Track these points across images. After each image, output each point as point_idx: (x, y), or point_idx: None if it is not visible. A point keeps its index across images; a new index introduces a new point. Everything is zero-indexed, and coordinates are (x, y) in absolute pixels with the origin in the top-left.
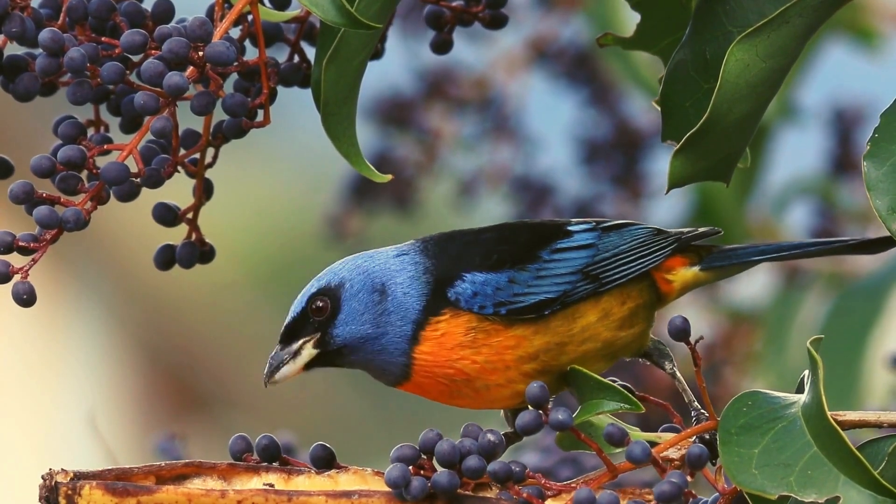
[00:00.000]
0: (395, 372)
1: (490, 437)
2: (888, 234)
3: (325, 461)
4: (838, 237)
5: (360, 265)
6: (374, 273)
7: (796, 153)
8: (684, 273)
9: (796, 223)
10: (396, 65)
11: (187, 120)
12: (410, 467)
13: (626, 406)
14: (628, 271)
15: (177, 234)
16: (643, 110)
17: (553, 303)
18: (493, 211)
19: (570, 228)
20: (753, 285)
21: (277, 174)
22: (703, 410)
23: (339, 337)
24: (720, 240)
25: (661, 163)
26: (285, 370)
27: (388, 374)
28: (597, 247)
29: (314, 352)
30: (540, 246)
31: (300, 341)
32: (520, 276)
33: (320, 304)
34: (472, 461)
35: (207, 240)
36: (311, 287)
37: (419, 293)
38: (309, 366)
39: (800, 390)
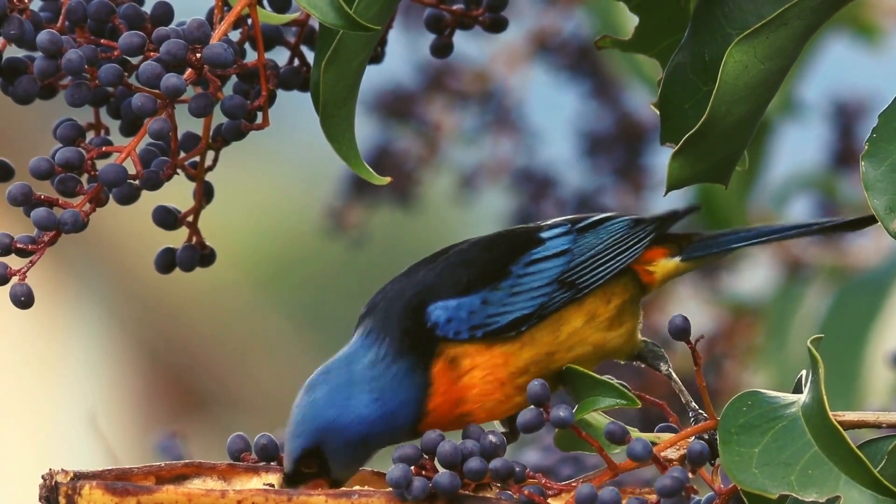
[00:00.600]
0: (409, 437)
1: (492, 438)
2: (868, 214)
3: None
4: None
5: (330, 420)
6: (347, 427)
7: (797, 147)
8: (665, 264)
9: (798, 217)
10: (397, 58)
11: (187, 123)
12: (412, 467)
13: (623, 402)
14: (606, 271)
15: (177, 236)
16: (645, 103)
17: (529, 318)
18: (494, 204)
19: (542, 235)
20: (755, 279)
21: (277, 174)
22: (701, 411)
23: (342, 479)
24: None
25: (663, 156)
26: None
27: (400, 437)
28: (572, 252)
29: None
30: (511, 260)
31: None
32: (493, 295)
33: (309, 466)
34: (473, 462)
35: (208, 243)
36: (293, 448)
37: (407, 397)
38: None
39: (797, 389)
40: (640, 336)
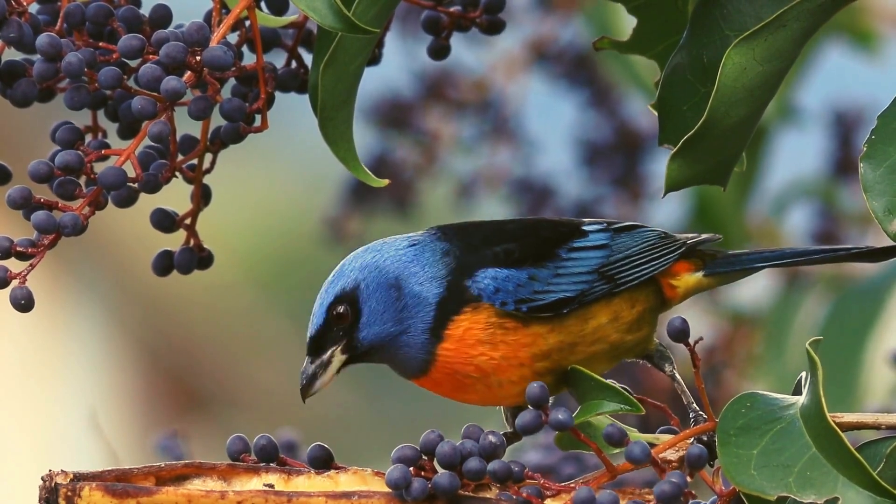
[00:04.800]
0: (415, 367)
1: (491, 438)
2: (891, 242)
3: (323, 461)
4: (840, 243)
5: (370, 262)
6: (386, 268)
7: (796, 155)
8: (688, 278)
9: (796, 225)
10: (395, 67)
11: (186, 125)
12: (411, 468)
13: (626, 407)
14: (641, 273)
15: (177, 238)
16: (643, 112)
17: (571, 301)
18: (492, 213)
19: (585, 228)
20: (753, 288)
21: (277, 174)
22: (701, 412)
23: (365, 340)
24: (721, 244)
25: (661, 164)
26: (320, 382)
27: (408, 369)
28: (611, 247)
29: (343, 357)
30: (558, 244)
31: (329, 351)
32: (540, 273)
33: (340, 310)
34: (473, 463)
35: (206, 246)
36: (327, 295)
37: (438, 285)
38: (339, 370)
39: (797, 392)
40: (655, 341)
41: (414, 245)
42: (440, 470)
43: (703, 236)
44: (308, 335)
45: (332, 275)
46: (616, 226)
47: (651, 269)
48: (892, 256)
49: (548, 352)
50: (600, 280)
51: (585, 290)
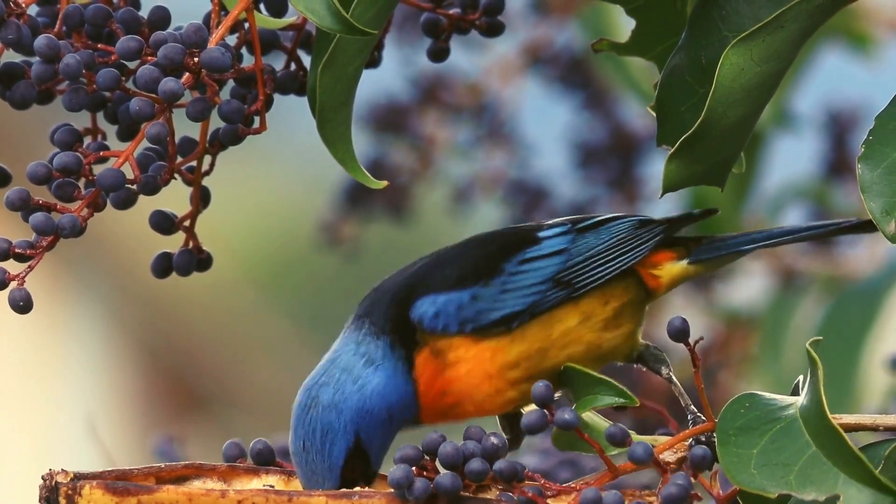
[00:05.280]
0: (411, 422)
1: (493, 439)
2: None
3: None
4: (836, 243)
5: (356, 405)
6: (373, 406)
7: (791, 157)
8: (671, 267)
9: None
10: (391, 71)
11: (185, 127)
12: (413, 468)
13: (622, 400)
14: (605, 272)
15: (176, 239)
16: (638, 114)
17: (520, 315)
18: (488, 217)
19: (539, 235)
20: (750, 288)
21: (277, 174)
22: (699, 414)
23: (377, 466)
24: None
25: (656, 167)
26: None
27: (409, 425)
28: (569, 252)
29: (365, 486)
30: (505, 257)
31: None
32: (484, 291)
33: (353, 467)
34: (475, 464)
35: (205, 247)
36: (332, 458)
37: (397, 362)
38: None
39: (795, 393)
40: (640, 339)
41: (368, 359)
42: (442, 470)
43: (694, 212)
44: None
45: (311, 433)
46: (583, 224)
47: (618, 264)
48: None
49: (514, 361)
50: (555, 287)
51: (537, 301)
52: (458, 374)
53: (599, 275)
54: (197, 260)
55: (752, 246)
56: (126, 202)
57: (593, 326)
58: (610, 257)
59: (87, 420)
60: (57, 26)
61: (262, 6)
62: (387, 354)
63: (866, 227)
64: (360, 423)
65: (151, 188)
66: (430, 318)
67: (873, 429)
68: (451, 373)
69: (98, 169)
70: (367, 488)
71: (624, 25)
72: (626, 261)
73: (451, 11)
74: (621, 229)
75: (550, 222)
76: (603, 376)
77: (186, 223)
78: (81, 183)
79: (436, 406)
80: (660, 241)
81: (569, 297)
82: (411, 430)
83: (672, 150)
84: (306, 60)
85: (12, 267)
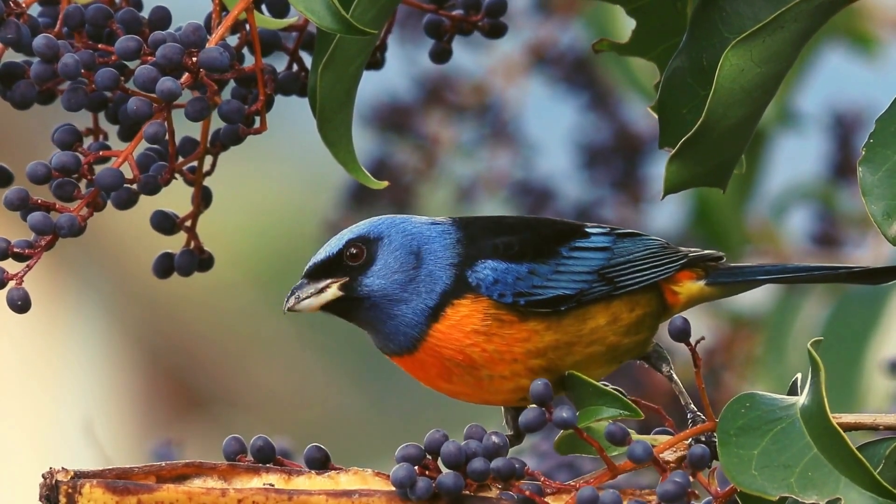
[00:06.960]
0: (402, 342)
1: (494, 438)
2: (894, 264)
3: (320, 463)
4: (840, 245)
5: (399, 224)
6: (413, 235)
7: (795, 158)
8: (691, 286)
9: (796, 228)
10: (395, 71)
11: (186, 128)
12: (416, 467)
13: (626, 413)
14: (641, 278)
15: (177, 239)
16: (642, 115)
17: (570, 299)
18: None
19: (587, 230)
20: (753, 290)
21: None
22: (699, 413)
23: (367, 287)
24: (721, 248)
25: (660, 167)
26: (307, 302)
27: (394, 342)
28: (612, 250)
29: (338, 294)
30: (559, 242)
31: (327, 280)
32: (540, 268)
33: (355, 250)
34: (477, 463)
35: (206, 248)
36: (350, 232)
37: (449, 268)
38: (327, 307)
39: (793, 392)
40: (651, 344)
41: (437, 226)
42: (444, 470)
43: (707, 252)
44: (312, 260)
45: (358, 224)
46: (619, 231)
47: (652, 275)
48: (893, 278)
49: (543, 349)
50: (600, 281)
51: (584, 290)
52: (485, 344)
53: (637, 279)
54: (199, 260)
55: (766, 277)
56: (127, 202)
57: (618, 330)
58: (645, 266)
59: (85, 421)
60: (57, 26)
61: (263, 7)
62: (452, 250)
63: (879, 275)
64: (394, 231)
65: (152, 188)
66: (488, 283)
67: (873, 428)
68: (478, 338)
69: (99, 169)
70: (365, 489)
71: (627, 25)
72: (658, 273)
73: (453, 13)
74: (652, 244)
75: (590, 224)
76: (608, 387)
77: (188, 223)
78: (82, 183)
79: (442, 353)
80: (685, 263)
81: (608, 294)
82: (397, 356)
83: (673, 151)
84: (309, 61)
85: (11, 266)
